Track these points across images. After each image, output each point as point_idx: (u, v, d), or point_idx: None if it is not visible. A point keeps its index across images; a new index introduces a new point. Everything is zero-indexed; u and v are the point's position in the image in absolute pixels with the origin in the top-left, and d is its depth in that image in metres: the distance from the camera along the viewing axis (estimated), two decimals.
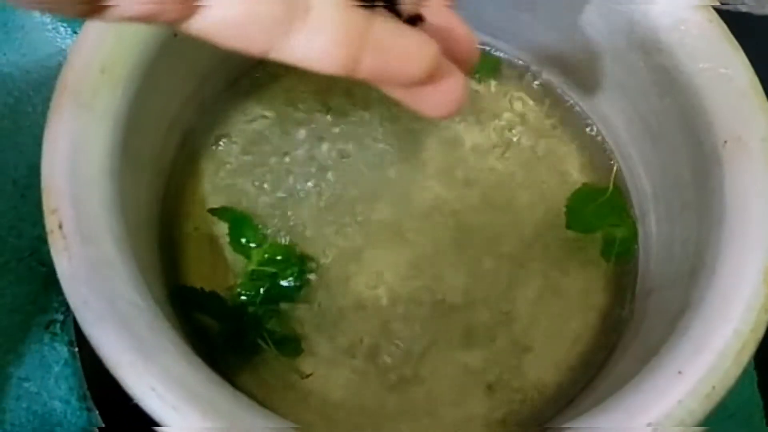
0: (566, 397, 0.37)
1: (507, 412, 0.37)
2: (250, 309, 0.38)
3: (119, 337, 0.26)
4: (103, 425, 0.40)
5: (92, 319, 0.27)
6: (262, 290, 0.38)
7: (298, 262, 0.39)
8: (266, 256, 0.38)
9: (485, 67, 0.44)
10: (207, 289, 0.37)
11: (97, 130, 0.30)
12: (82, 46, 0.31)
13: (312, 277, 0.39)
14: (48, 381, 0.41)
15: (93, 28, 0.31)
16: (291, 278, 0.38)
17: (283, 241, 0.40)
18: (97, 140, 0.30)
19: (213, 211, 0.40)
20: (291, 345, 0.37)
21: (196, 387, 0.26)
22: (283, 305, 0.38)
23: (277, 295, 0.38)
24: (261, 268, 0.38)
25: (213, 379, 0.28)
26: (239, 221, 0.39)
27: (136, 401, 0.26)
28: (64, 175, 0.29)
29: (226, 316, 0.37)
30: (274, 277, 0.38)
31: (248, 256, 0.38)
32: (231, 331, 0.37)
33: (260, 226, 0.39)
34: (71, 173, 0.29)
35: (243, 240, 0.39)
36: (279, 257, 0.38)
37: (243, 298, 0.38)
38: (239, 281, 0.38)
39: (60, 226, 0.28)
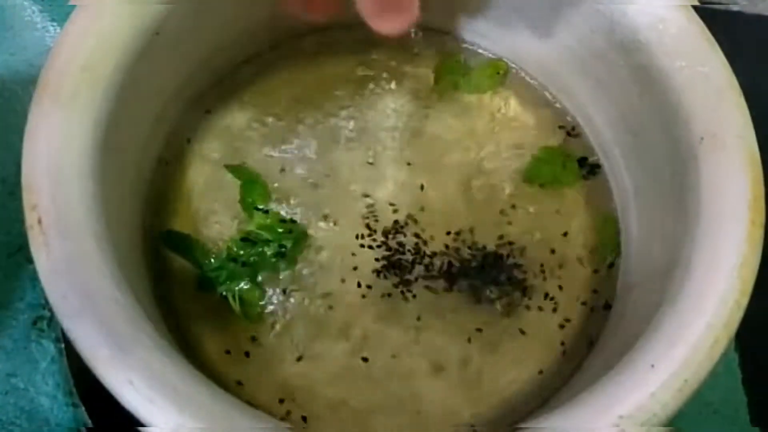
0: (546, 393, 0.38)
1: (487, 409, 0.37)
2: (231, 265, 0.38)
3: (97, 331, 0.27)
4: (89, 421, 0.40)
5: (70, 313, 0.27)
6: (251, 251, 0.39)
7: (296, 238, 0.39)
8: (268, 221, 0.39)
9: (469, 66, 0.45)
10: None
11: (77, 128, 0.30)
12: (63, 45, 0.31)
13: (301, 256, 0.39)
14: (35, 377, 0.41)
15: (74, 26, 0.32)
16: (281, 251, 0.39)
17: None
18: (78, 138, 0.30)
19: (228, 168, 0.41)
20: (254, 309, 0.38)
21: (173, 381, 0.27)
22: (264, 274, 0.39)
23: (261, 262, 0.39)
24: (258, 231, 0.39)
25: (191, 373, 0.28)
26: (252, 181, 0.40)
27: (112, 394, 0.26)
28: (44, 172, 0.29)
29: (204, 265, 0.38)
30: (266, 245, 0.39)
31: (251, 216, 0.39)
32: (205, 281, 0.38)
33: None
34: (51, 170, 0.29)
35: (251, 199, 0.40)
36: (280, 229, 0.39)
37: (229, 253, 0.39)
38: (231, 236, 0.39)
39: (39, 222, 0.28)
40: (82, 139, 0.30)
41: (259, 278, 0.39)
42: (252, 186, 0.40)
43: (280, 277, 0.39)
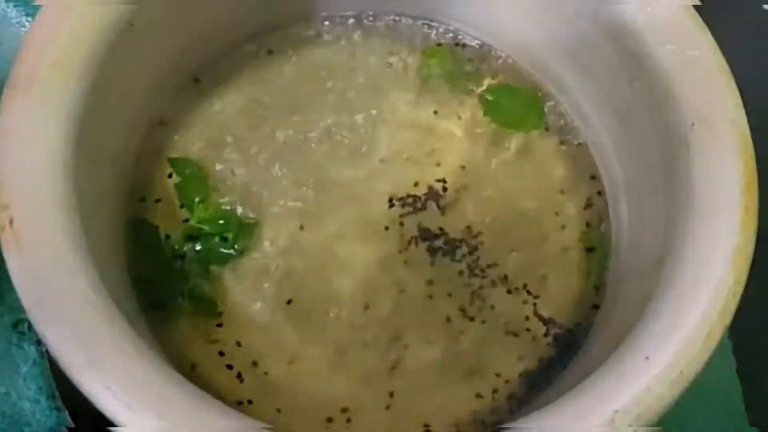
0: (537, 389, 0.37)
1: (477, 407, 0.37)
2: (178, 264, 0.38)
3: (73, 337, 0.26)
4: (73, 425, 0.39)
5: (45, 318, 0.26)
6: (197, 247, 0.38)
7: (238, 229, 0.39)
8: (208, 214, 0.38)
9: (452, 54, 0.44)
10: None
11: (49, 125, 0.29)
12: (34, 38, 0.30)
13: (251, 248, 0.39)
14: (17, 381, 0.40)
15: (45, 19, 0.31)
16: (227, 243, 0.38)
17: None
18: (50, 135, 0.29)
19: (171, 161, 0.40)
20: (206, 305, 0.37)
21: (153, 385, 0.26)
22: (214, 268, 0.38)
23: (208, 256, 0.38)
24: (199, 225, 0.38)
25: (172, 377, 0.27)
26: (192, 174, 0.40)
27: (90, 401, 0.25)
28: (15, 171, 0.28)
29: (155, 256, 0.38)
30: (209, 238, 0.38)
31: (191, 211, 0.39)
32: (155, 277, 0.37)
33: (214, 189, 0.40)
34: (23, 169, 0.28)
35: (190, 193, 0.39)
36: (221, 221, 0.38)
37: (177, 251, 0.38)
38: (174, 235, 0.38)
39: (11, 223, 0.27)
40: (56, 136, 0.29)
41: (211, 273, 0.38)
42: (189, 180, 0.39)
43: (231, 269, 0.38)
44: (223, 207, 0.39)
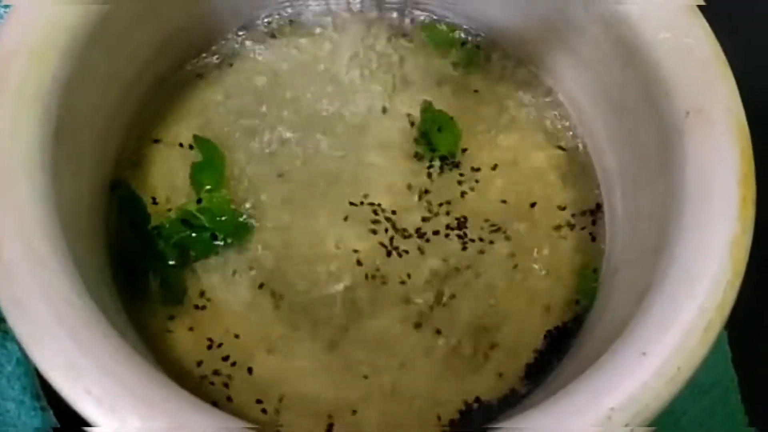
0: (532, 384, 0.36)
1: (469, 403, 0.36)
2: (160, 244, 0.37)
3: (52, 339, 0.25)
4: (58, 425, 0.38)
5: (24, 320, 0.25)
6: (184, 233, 0.37)
7: (234, 229, 0.38)
8: (212, 206, 0.38)
9: (443, 41, 0.44)
10: None
11: (25, 119, 0.28)
12: (9, 29, 0.29)
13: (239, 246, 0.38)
14: (0, 381, 0.39)
15: (21, 9, 0.30)
16: (216, 239, 0.38)
17: None
18: (26, 129, 0.28)
19: (196, 139, 0.39)
20: (174, 293, 0.37)
21: (135, 387, 0.25)
22: (194, 255, 0.38)
23: (194, 246, 0.38)
24: (197, 214, 0.37)
25: (155, 378, 0.26)
26: (211, 159, 0.39)
27: (71, 405, 0.25)
28: None
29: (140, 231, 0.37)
30: (202, 230, 0.37)
31: (198, 194, 0.38)
32: (135, 250, 0.37)
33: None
34: None
35: (200, 179, 0.38)
36: (222, 217, 0.38)
37: (163, 229, 0.37)
38: (171, 214, 0.38)
39: None
40: (32, 131, 0.28)
41: (191, 263, 0.38)
42: (207, 164, 0.39)
43: (213, 262, 0.38)
44: (228, 205, 0.38)
